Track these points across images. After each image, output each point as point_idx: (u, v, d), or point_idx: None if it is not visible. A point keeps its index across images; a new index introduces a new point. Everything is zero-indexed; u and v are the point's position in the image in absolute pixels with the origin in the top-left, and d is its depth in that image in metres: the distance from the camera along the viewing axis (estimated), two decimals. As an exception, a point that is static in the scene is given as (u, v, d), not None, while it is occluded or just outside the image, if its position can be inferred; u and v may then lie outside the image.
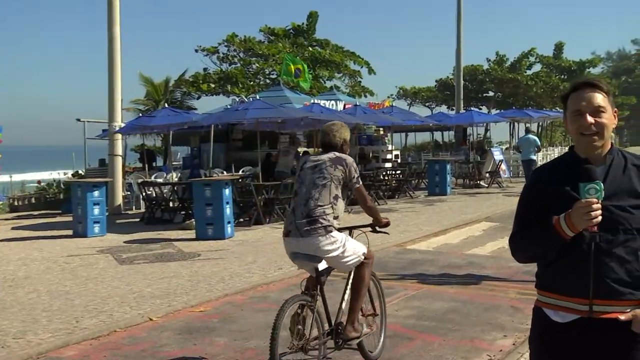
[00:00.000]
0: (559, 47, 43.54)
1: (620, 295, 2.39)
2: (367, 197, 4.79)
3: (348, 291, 4.71)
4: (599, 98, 2.49)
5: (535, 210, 2.53)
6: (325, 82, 31.56)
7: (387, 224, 4.88)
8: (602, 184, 2.33)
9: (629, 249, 2.39)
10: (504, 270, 8.14)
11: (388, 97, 42.72)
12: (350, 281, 4.71)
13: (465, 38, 32.63)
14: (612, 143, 2.55)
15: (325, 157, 4.63)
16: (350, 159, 4.66)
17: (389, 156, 21.81)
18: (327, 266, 4.62)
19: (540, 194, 2.53)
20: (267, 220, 12.97)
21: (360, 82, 32.91)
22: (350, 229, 4.79)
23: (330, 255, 4.49)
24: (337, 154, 4.68)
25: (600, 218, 2.31)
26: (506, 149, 34.34)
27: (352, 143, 21.90)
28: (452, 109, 40.04)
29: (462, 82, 30.04)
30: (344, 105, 22.02)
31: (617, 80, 64.26)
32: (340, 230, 4.59)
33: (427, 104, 44.63)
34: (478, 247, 10.24)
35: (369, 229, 4.87)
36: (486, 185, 21.18)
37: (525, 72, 40.67)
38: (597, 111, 2.47)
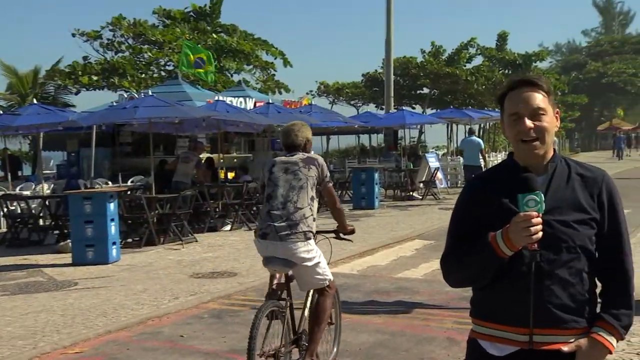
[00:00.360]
0: (502, 38, 45.02)
1: (563, 323, 2.47)
2: (337, 198, 5.46)
3: (307, 311, 5.34)
4: (539, 98, 2.56)
5: (469, 226, 2.60)
6: (232, 76, 31.47)
7: (352, 232, 5.52)
8: (542, 195, 2.41)
9: (573, 269, 2.48)
10: (440, 296, 8.34)
11: (307, 93, 42.96)
12: (312, 308, 5.31)
13: (396, 26, 33.43)
14: (555, 149, 2.64)
15: (295, 158, 5.30)
16: (321, 159, 5.34)
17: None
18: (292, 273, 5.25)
19: (475, 207, 2.60)
20: (162, 241, 12.76)
21: (273, 76, 33.01)
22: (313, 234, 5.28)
23: (306, 263, 5.13)
24: (307, 154, 5.34)
25: (540, 234, 2.38)
26: (443, 154, 35.40)
27: (263, 148, 22.02)
28: (382, 108, 40.82)
29: (392, 76, 30.70)
30: (255, 103, 21.98)
31: (567, 76, 67.46)
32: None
33: (352, 102, 45.27)
34: (410, 270, 10.43)
35: (333, 235, 5.50)
36: (420, 197, 21.69)
37: (465, 66, 41.94)
38: (536, 114, 2.54)
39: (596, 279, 2.60)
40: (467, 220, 2.62)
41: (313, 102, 24.12)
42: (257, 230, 5.28)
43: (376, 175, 19.34)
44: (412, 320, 7.43)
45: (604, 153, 59.76)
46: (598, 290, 2.60)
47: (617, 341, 2.52)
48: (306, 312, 5.34)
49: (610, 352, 2.52)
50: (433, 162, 23.73)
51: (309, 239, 5.14)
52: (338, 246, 12.27)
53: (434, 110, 41.21)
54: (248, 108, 20.91)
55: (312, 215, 5.17)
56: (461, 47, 42.24)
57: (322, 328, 5.25)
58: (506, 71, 43.37)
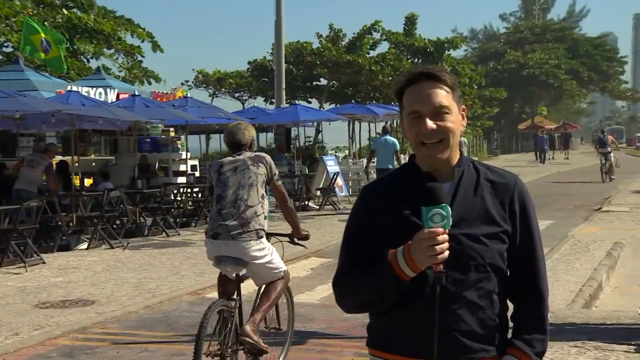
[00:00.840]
0: (411, 21, 45.93)
1: (471, 352, 2.52)
2: (287, 197, 6.39)
3: (259, 301, 6.26)
4: (442, 95, 2.60)
5: (365, 242, 2.61)
6: (88, 61, 30.71)
7: (306, 237, 6.41)
8: (449, 208, 2.44)
9: (483, 291, 2.54)
10: (339, 324, 8.40)
11: (181, 84, 42.62)
12: (263, 288, 6.28)
13: (289, 5, 33.64)
14: (461, 151, 2.69)
15: (243, 156, 6.18)
16: (268, 157, 6.22)
17: (182, 167, 21.75)
18: (243, 273, 6.16)
19: (371, 219, 2.62)
20: (-1, 264, 12.29)
21: (140, 62, 32.48)
22: (267, 236, 6.13)
23: (258, 261, 6.06)
24: (254, 152, 6.26)
25: (447, 253, 2.41)
26: (344, 157, 35.89)
27: (128, 149, 21.64)
28: (271, 102, 40.93)
29: (283, 65, 30.89)
30: (117, 94, 21.58)
31: (484, 66, 69.95)
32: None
33: (237, 95, 45.20)
34: (304, 293, 10.49)
35: (287, 239, 6.36)
36: (317, 207, 21.85)
37: (368, 54, 42.64)
38: (439, 112, 2.58)
39: (507, 300, 2.65)
40: (363, 234, 2.64)
41: (189, 95, 23.93)
42: (207, 231, 6.18)
43: (265, 182, 19.33)
44: (307, 353, 7.45)
45: (526, 155, 62.32)
46: (509, 313, 2.65)
47: None
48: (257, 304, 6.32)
49: None
50: (332, 165, 24.00)
51: (261, 237, 6.05)
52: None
53: (333, 105, 41.72)
54: (109, 101, 20.49)
55: (263, 213, 6.08)
56: (364, 32, 42.82)
57: (271, 301, 6.21)
58: (415, 60, 44.38)
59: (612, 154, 30.93)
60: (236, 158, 6.18)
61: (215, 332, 5.86)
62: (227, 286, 6.19)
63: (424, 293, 2.50)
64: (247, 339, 5.96)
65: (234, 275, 6.15)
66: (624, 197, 23.45)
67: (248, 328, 6.00)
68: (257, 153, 6.28)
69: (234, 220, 5.97)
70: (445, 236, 2.40)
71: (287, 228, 6.54)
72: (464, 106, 2.69)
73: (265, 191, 6.18)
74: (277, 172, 6.31)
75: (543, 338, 2.63)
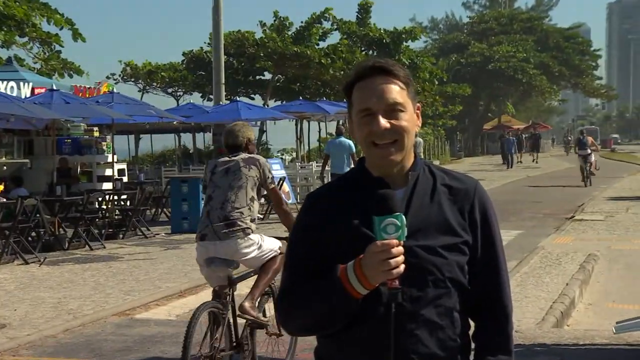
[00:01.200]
0: (364, 9, 46.19)
1: None
2: (282, 199, 7.07)
3: (257, 277, 7.01)
4: (395, 91, 2.63)
5: (311, 256, 2.63)
6: (-2, 51, 30.27)
7: None
8: (404, 218, 2.46)
9: (442, 308, 2.57)
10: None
11: (107, 78, 42.21)
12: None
13: (226, -10, 33.40)
14: (416, 154, 2.73)
15: (237, 158, 6.82)
16: (263, 159, 6.90)
17: (108, 172, 21.53)
18: (237, 275, 6.90)
19: (316, 231, 2.64)
20: None
21: (59, 53, 32.11)
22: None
23: (247, 257, 6.75)
24: (248, 154, 6.86)
25: (402, 267, 2.43)
26: (291, 160, 35.93)
27: (46, 151, 21.39)
28: (209, 99, 40.78)
29: (223, 57, 30.73)
30: (32, 89, 21.34)
31: (446, 60, 70.66)
32: None
33: (170, 90, 44.95)
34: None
35: (285, 242, 7.01)
36: (260, 217, 21.74)
37: (318, 45, 42.76)
38: (393, 110, 2.61)
39: (469, 318, 2.70)
40: (308, 248, 2.65)
41: (115, 90, 23.74)
42: (196, 235, 6.82)
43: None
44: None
45: (492, 158, 63.04)
46: (471, 332, 2.69)
47: None
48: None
49: None
50: (278, 170, 24.00)
51: (248, 234, 6.68)
52: (151, 283, 12.12)
53: (278, 102, 41.71)
54: (23, 96, 20.28)
55: (250, 215, 6.72)
56: (313, 20, 42.96)
57: (268, 277, 6.93)
58: (370, 52, 44.62)
59: (592, 156, 31.83)
60: (230, 159, 6.87)
61: (207, 335, 6.52)
62: (220, 289, 6.80)
63: (378, 312, 2.52)
64: (247, 315, 6.73)
65: (226, 279, 6.75)
66: (599, 204, 23.87)
67: (247, 304, 6.75)
68: (252, 155, 6.90)
69: (221, 222, 6.66)
70: (400, 248, 2.42)
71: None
72: (419, 104, 2.72)
73: (259, 194, 6.93)
74: (271, 176, 6.94)
75: (508, 359, 2.67)
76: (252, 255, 6.75)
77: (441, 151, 61.24)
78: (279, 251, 6.87)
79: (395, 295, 2.45)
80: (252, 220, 6.73)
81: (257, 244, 6.75)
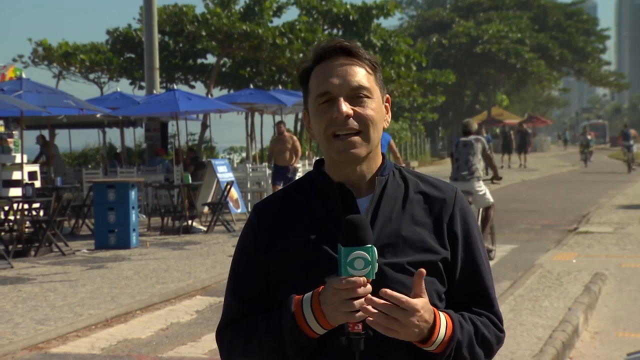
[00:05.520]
0: (327, -21, 46.45)
1: None
2: (493, 158, 16.76)
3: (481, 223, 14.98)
4: (361, 74, 2.67)
5: (258, 282, 2.66)
6: None
7: (500, 178, 17.04)
8: (376, 252, 2.45)
9: (416, 347, 2.56)
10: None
11: (14, 60, 41.90)
12: (482, 217, 15.48)
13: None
14: (384, 155, 2.76)
15: (471, 138, 15.80)
16: (483, 139, 16.20)
17: (17, 175, 21.38)
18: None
19: (265, 251, 2.66)
20: None
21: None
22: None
23: (478, 193, 15.35)
24: (476, 135, 16.10)
25: (371, 309, 2.42)
26: (241, 161, 35.90)
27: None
28: (141, 87, 40.68)
29: (156, 36, 30.70)
30: None
31: (426, 41, 70.89)
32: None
33: (92, 77, 44.76)
34: (187, 345, 10.50)
35: (490, 180, 16.95)
36: (204, 229, 21.85)
37: (271, 22, 42.83)
38: (357, 95, 2.65)
39: None
40: (255, 270, 2.67)
41: (25, 76, 23.55)
42: (451, 179, 15.17)
43: (133, 195, 19.27)
44: None
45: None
46: None
47: None
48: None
49: None
50: (224, 172, 24.02)
51: (479, 180, 15.52)
52: (70, 310, 12.05)
53: (224, 92, 41.69)
54: None
55: (478, 169, 15.50)
56: (265, -7, 43.01)
57: (488, 223, 15.49)
58: (334, 31, 44.75)
59: (634, 147, 41.75)
60: (467, 138, 15.80)
61: None
62: None
63: (339, 343, 2.55)
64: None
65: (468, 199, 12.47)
66: (607, 213, 24.10)
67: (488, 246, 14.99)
68: (477, 136, 16.05)
69: (465, 172, 15.42)
70: (369, 288, 2.42)
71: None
72: (388, 95, 2.76)
73: (484, 156, 16.09)
74: (487, 147, 16.05)
75: (474, 331, 2.64)
76: (480, 193, 15.40)
77: (420, 150, 61.54)
78: (492, 202, 15.64)
79: (357, 343, 2.46)
80: (480, 171, 15.66)
81: (484, 188, 15.60)
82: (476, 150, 15.61)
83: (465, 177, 15.47)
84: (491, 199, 15.54)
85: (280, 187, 23.01)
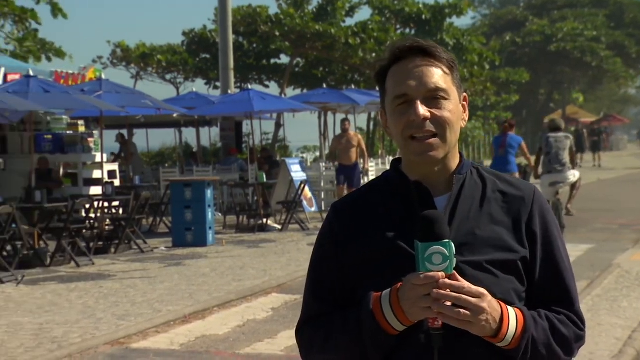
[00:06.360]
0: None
1: None
2: (574, 153, 19.71)
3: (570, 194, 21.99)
4: (438, 75, 2.66)
5: (336, 280, 2.67)
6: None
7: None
8: (453, 247, 2.46)
9: (495, 348, 2.56)
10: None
11: (94, 62, 42.45)
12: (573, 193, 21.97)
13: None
14: (461, 154, 2.75)
15: (560, 135, 19.09)
16: (571, 136, 20.23)
17: (97, 174, 21.67)
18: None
19: (343, 249, 2.68)
20: None
21: (36, 32, 32.40)
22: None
23: (568, 180, 19.27)
24: (565, 133, 19.79)
25: (449, 304, 2.43)
26: (314, 160, 35.95)
27: (22, 148, 21.56)
28: (216, 87, 40.92)
29: (231, 37, 30.90)
30: (5, 75, 21.48)
31: (499, 40, 70.32)
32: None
33: (169, 77, 45.19)
34: (264, 341, 10.56)
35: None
36: (279, 227, 21.96)
37: (344, 22, 42.84)
38: (435, 97, 2.64)
39: None
40: (333, 268, 2.69)
41: (104, 76, 23.86)
42: (543, 171, 18.97)
43: (209, 193, 19.43)
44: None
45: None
46: None
47: None
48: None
49: None
50: (298, 172, 24.07)
51: (570, 169, 18.92)
52: (150, 306, 12.19)
53: (298, 91, 41.79)
54: (-5, 83, 20.41)
55: (568, 162, 18.98)
56: (338, -7, 42.99)
57: (575, 193, 22.19)
58: (407, 30, 44.63)
59: None
60: (556, 134, 18.93)
61: None
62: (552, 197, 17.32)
63: (418, 340, 2.55)
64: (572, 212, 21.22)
65: (556, 192, 18.74)
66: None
67: (568, 206, 21.49)
68: (566, 133, 19.63)
69: (557, 164, 18.67)
70: (447, 282, 2.43)
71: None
72: (465, 94, 2.75)
73: (571, 151, 19.16)
74: (572, 144, 19.02)
75: (550, 328, 2.62)
76: (570, 180, 19.01)
77: (493, 149, 61.07)
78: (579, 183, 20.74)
79: (437, 338, 2.48)
80: (570, 163, 18.87)
81: (575, 175, 19.09)
82: (566, 146, 18.79)
83: (557, 169, 18.75)
84: (578, 175, 20.01)
85: (344, 188, 23.24)
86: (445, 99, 2.62)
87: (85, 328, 10.91)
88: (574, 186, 20.87)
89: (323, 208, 24.94)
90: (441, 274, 2.41)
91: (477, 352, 2.54)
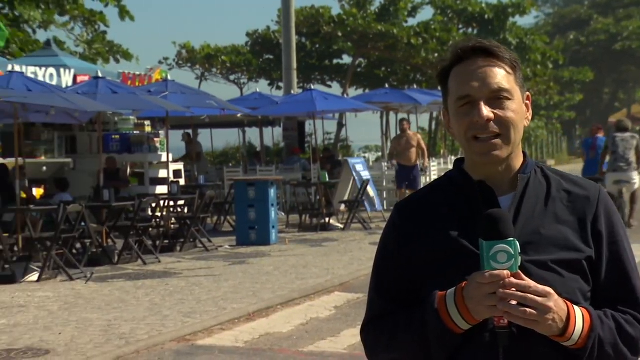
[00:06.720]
0: (463, -21, 46.13)
1: None
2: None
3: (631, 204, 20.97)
4: (501, 75, 2.65)
5: (401, 280, 2.68)
6: (35, 32, 30.98)
7: None
8: (518, 245, 2.45)
9: (561, 347, 2.54)
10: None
11: (160, 63, 42.84)
12: (634, 198, 20.72)
13: (300, -42, 33.65)
14: (525, 154, 2.74)
15: (627, 135, 19.56)
16: (637, 136, 19.94)
17: (163, 174, 21.87)
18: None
19: (407, 248, 2.68)
20: None
21: (105, 34, 32.74)
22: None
23: (632, 182, 19.53)
24: (632, 133, 19.99)
25: (514, 304, 2.42)
26: (376, 160, 35.90)
27: (90, 148, 21.82)
28: (279, 87, 41.07)
29: (294, 37, 31.01)
30: (75, 76, 21.73)
31: (563, 39, 69.74)
32: None
33: (233, 78, 45.42)
34: (327, 339, 10.59)
35: None
36: (341, 226, 22.02)
37: (407, 22, 42.76)
38: (498, 98, 2.63)
39: None
40: (398, 268, 2.70)
41: (170, 77, 24.07)
42: (608, 169, 19.63)
43: (273, 193, 19.54)
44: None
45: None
46: None
47: None
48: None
49: None
50: (361, 171, 24.09)
51: (635, 170, 19.31)
52: (215, 304, 12.29)
53: (360, 91, 41.81)
54: (64, 85, 20.68)
55: (634, 162, 19.33)
56: (400, -7, 42.91)
57: (636, 204, 20.30)
58: (469, 30, 44.45)
59: None
60: (623, 135, 19.27)
61: None
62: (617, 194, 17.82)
63: (483, 339, 2.55)
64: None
65: (621, 191, 19.34)
66: None
67: (631, 220, 20.01)
68: (633, 133, 19.70)
69: (623, 164, 19.07)
70: (512, 281, 2.42)
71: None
72: (528, 93, 2.74)
73: (637, 150, 19.33)
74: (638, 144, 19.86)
75: (617, 328, 2.59)
76: (634, 180, 19.09)
77: (557, 149, 60.62)
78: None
79: (503, 337, 2.48)
80: (636, 163, 19.26)
81: (638, 180, 18.78)
82: (632, 146, 19.22)
83: (623, 167, 19.19)
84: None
85: (404, 190, 23.10)
86: (509, 99, 2.61)
87: (152, 325, 11.02)
88: (633, 198, 20.11)
89: (385, 207, 24.94)
90: (506, 272, 2.40)
91: (543, 351, 2.53)
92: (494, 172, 2.64)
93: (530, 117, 2.72)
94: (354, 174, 23.59)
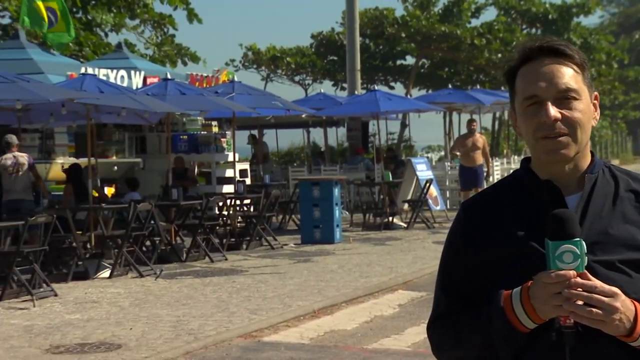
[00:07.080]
0: (526, -21, 45.77)
1: None
2: None
3: None
4: (568, 75, 2.62)
5: (468, 278, 2.69)
6: (107, 36, 31.35)
7: None
8: (584, 246, 2.43)
9: (630, 348, 2.51)
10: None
11: (226, 65, 43.11)
12: None
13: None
14: (593, 153, 2.72)
15: None
16: None
17: (229, 173, 21.98)
18: None
19: (474, 248, 2.68)
20: None
21: (173, 37, 33.03)
22: None
23: None
24: None
25: (580, 303, 2.40)
26: (439, 159, 35.83)
27: (159, 148, 22.06)
28: (343, 88, 41.12)
29: (358, 39, 31.05)
30: (145, 78, 21.93)
31: (628, 38, 68.79)
32: None
33: (297, 79, 45.55)
34: (391, 337, 10.65)
35: None
36: (404, 225, 22.04)
37: (470, 23, 42.54)
38: (565, 97, 2.60)
39: None
40: (463, 267, 2.70)
41: (236, 79, 24.25)
42: None
43: (337, 192, 19.61)
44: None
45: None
46: None
47: None
48: None
49: None
50: (424, 171, 24.09)
51: None
52: (280, 301, 12.40)
53: (423, 92, 41.72)
54: (134, 87, 20.85)
55: None
56: (464, -6, 42.73)
57: None
58: (533, 30, 44.11)
59: None
60: None
61: None
62: None
63: (549, 339, 2.55)
64: None
65: None
66: None
67: None
68: None
69: None
70: (578, 281, 2.40)
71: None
72: (596, 92, 2.71)
73: None
74: None
75: None
76: None
77: (622, 148, 59.92)
78: None
79: (569, 336, 2.47)
80: None
81: None
82: None
83: None
84: None
85: (468, 192, 22.78)
86: (576, 99, 2.58)
87: (219, 321, 11.15)
88: None
89: (448, 206, 24.91)
90: (572, 272, 2.38)
91: (610, 351, 2.51)
92: (560, 171, 2.62)
93: (597, 117, 2.69)
94: (417, 173, 23.59)
